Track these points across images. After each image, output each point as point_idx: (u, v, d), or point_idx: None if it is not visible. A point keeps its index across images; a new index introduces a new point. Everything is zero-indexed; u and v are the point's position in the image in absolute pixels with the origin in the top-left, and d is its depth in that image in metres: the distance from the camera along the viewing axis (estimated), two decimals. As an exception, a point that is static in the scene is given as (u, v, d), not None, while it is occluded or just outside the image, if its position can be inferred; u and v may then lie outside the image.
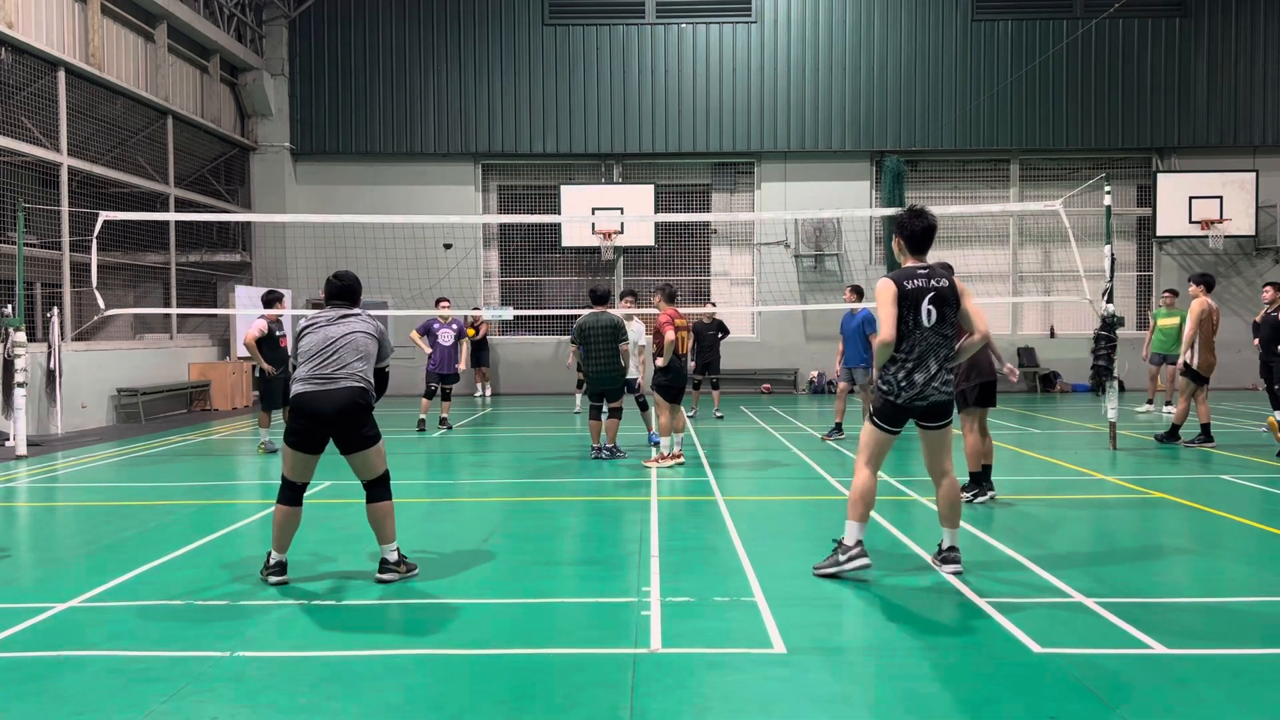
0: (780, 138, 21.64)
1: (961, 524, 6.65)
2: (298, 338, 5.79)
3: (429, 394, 14.14)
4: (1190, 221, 20.87)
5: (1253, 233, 21.09)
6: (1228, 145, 21.61)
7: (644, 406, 11.97)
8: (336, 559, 6.31)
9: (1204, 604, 5.27)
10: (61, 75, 15.11)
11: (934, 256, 5.91)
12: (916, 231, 5.71)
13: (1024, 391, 21.50)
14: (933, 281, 5.60)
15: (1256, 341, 12.61)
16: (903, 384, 5.56)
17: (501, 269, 22.51)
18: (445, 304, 14.24)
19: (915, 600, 5.32)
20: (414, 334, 14.16)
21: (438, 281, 20.46)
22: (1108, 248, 11.53)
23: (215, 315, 19.32)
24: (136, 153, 17.67)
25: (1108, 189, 11.94)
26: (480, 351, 20.18)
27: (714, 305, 17.56)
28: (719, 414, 15.67)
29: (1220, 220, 20.77)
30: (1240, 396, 18.96)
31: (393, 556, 5.79)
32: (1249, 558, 6.30)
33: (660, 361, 10.27)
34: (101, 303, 12.91)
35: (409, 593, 5.57)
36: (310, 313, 5.92)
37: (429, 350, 13.91)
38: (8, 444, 12.31)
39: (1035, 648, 4.48)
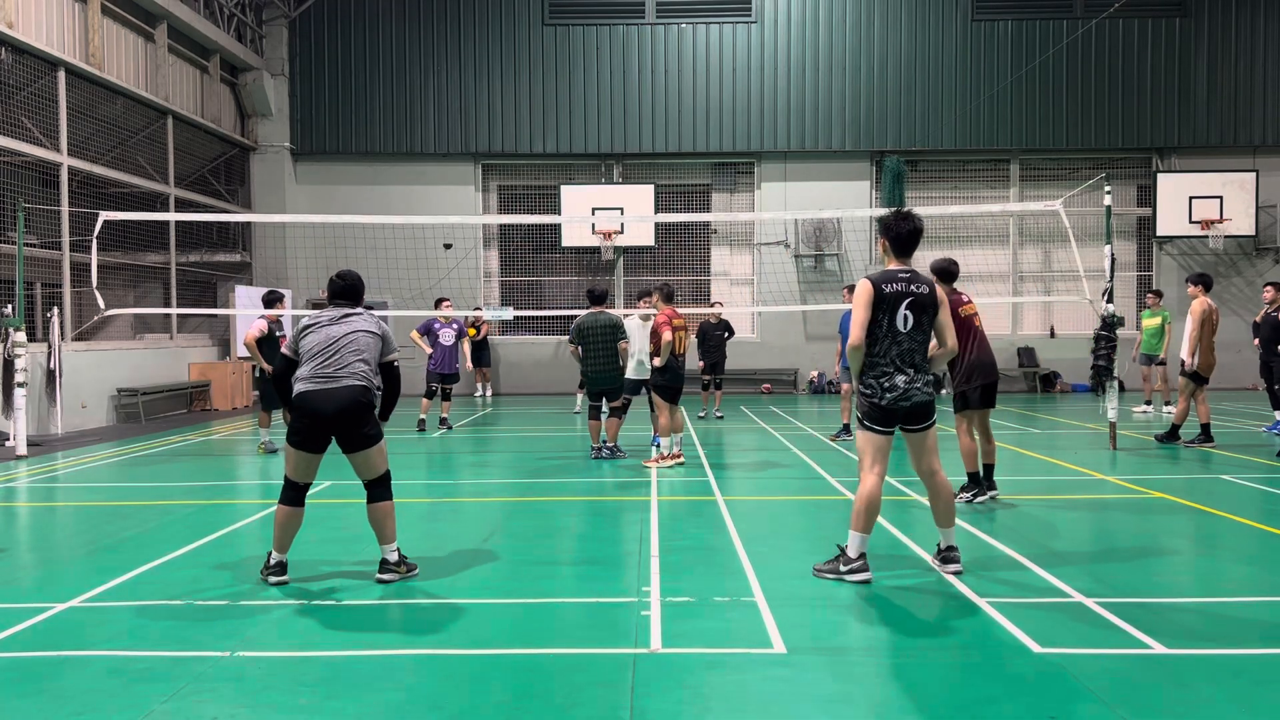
0: (780, 138, 21.64)
1: (962, 524, 6.66)
2: (299, 336, 5.79)
3: (429, 394, 14.14)
4: (1190, 221, 20.88)
5: (1253, 233, 21.10)
6: (1228, 145, 21.61)
7: (622, 410, 11.70)
8: (336, 559, 6.31)
9: (1204, 604, 5.27)
10: (61, 75, 15.11)
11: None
12: (902, 234, 5.68)
13: (1024, 391, 21.51)
14: (913, 287, 5.56)
15: (1256, 341, 12.64)
16: (885, 386, 5.54)
17: (501, 269, 22.51)
18: (447, 304, 14.25)
19: (915, 600, 5.32)
20: (414, 334, 14.17)
21: (438, 281, 20.47)
22: (1108, 248, 11.53)
23: (215, 315, 19.32)
24: (136, 153, 17.67)
25: (1108, 189, 11.94)
26: (481, 351, 20.18)
27: (720, 305, 17.55)
28: (719, 414, 15.68)
29: (1220, 220, 20.77)
30: (1240, 396, 18.96)
31: (393, 556, 5.79)
32: (1249, 558, 6.30)
33: (658, 362, 10.28)
34: (101, 303, 12.91)
35: (409, 593, 5.57)
36: (312, 312, 5.91)
37: (429, 350, 13.91)
38: (8, 444, 12.31)
39: (1035, 648, 4.48)
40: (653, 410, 10.54)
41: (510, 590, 5.59)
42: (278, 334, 11.64)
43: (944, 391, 20.90)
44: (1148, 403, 16.08)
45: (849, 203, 21.09)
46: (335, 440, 5.68)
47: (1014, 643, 4.57)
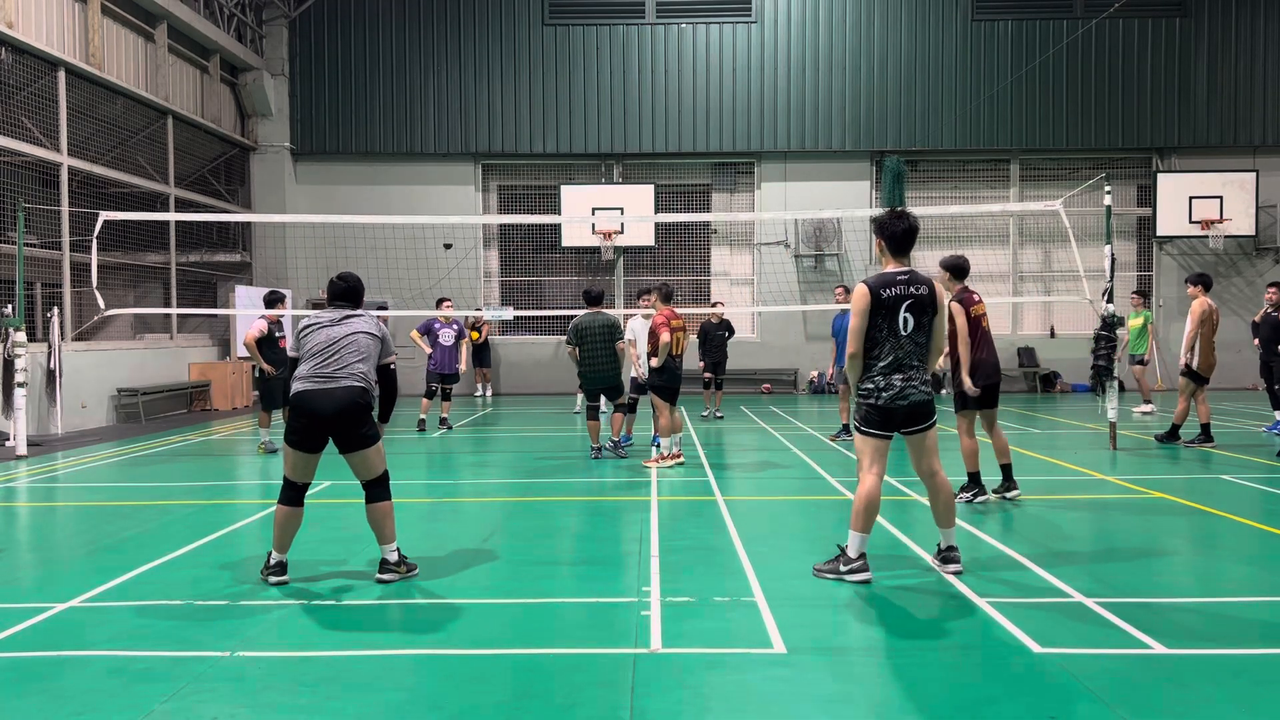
0: (780, 138, 21.64)
1: (962, 524, 6.66)
2: (299, 336, 5.80)
3: (429, 394, 14.15)
4: (1190, 221, 20.88)
5: (1253, 233, 21.09)
6: (1228, 145, 21.62)
7: (629, 408, 11.74)
8: (336, 559, 6.31)
9: (1204, 604, 5.27)
10: (61, 75, 15.11)
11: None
12: (898, 233, 5.65)
13: (1024, 391, 21.51)
14: (912, 288, 5.54)
15: (1256, 341, 12.64)
16: (882, 386, 5.53)
17: (501, 269, 22.51)
18: (448, 304, 14.25)
19: (915, 600, 5.32)
20: (414, 334, 14.19)
21: (438, 281, 20.47)
22: (1108, 248, 11.53)
23: (215, 315, 19.32)
24: (136, 153, 17.67)
25: (1108, 189, 11.94)
26: (482, 352, 20.19)
27: (721, 305, 17.54)
28: (719, 414, 15.68)
29: (1220, 220, 20.77)
30: (1240, 396, 18.95)
31: (393, 557, 5.79)
32: (1249, 558, 6.30)
33: (655, 362, 10.28)
34: (101, 303, 12.91)
35: (409, 593, 5.57)
36: (312, 313, 5.92)
37: (429, 350, 13.92)
38: (8, 444, 12.31)
39: (1035, 648, 4.48)
40: (653, 410, 10.55)
41: (510, 590, 5.60)
42: (277, 334, 11.64)
43: (943, 391, 20.93)
44: (1147, 401, 16.09)
45: (849, 203, 21.09)
46: (332, 440, 5.68)
47: (1014, 643, 4.57)
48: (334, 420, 5.58)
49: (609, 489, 9.17)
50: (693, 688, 4.06)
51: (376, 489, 5.78)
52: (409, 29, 21.68)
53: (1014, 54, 21.46)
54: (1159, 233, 21.25)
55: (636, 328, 11.83)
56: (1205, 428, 11.47)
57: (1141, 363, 15.77)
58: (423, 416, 14.27)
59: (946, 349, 5.85)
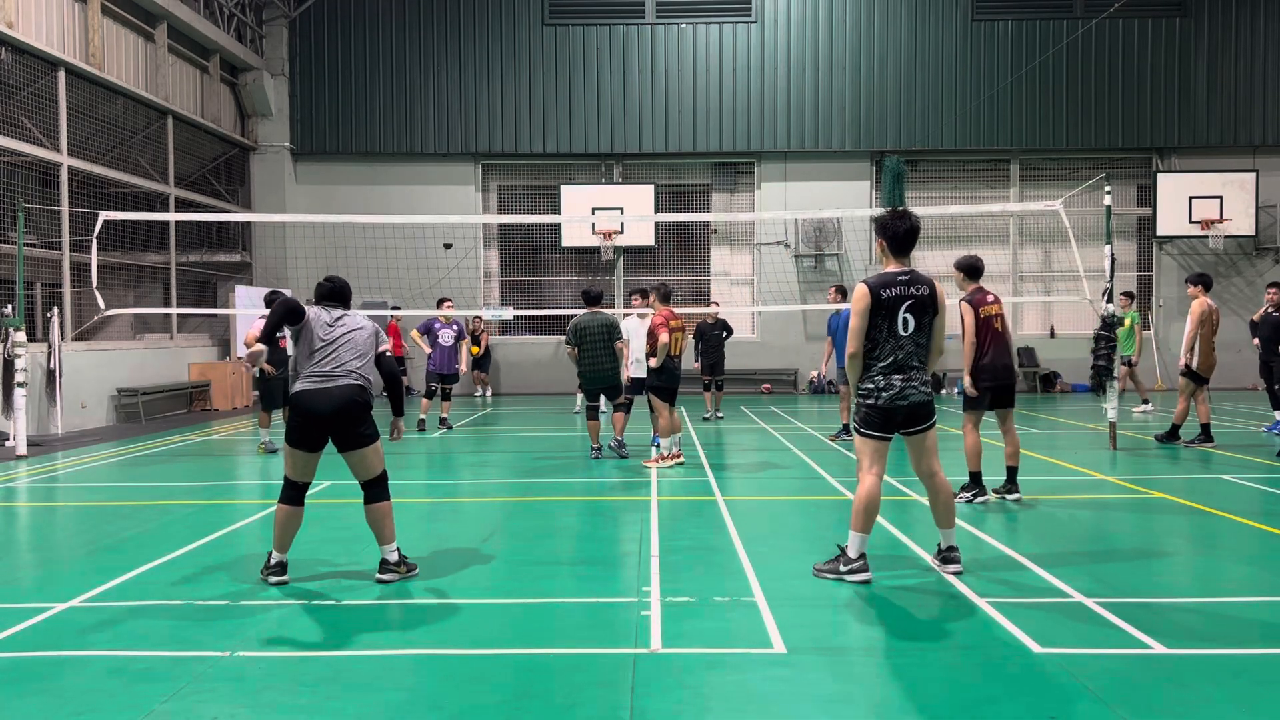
0: (780, 138, 21.64)
1: (962, 524, 6.66)
2: (296, 337, 5.84)
3: (429, 394, 14.15)
4: (1190, 221, 20.88)
5: (1253, 233, 21.09)
6: (1228, 145, 21.61)
7: (624, 409, 11.55)
8: (336, 559, 6.31)
9: (1204, 604, 5.27)
10: (61, 75, 15.11)
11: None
12: (899, 233, 5.64)
13: (1024, 391, 21.50)
14: (912, 289, 5.53)
15: (1256, 341, 12.63)
16: (882, 386, 5.52)
17: (501, 269, 22.51)
18: (449, 304, 14.25)
19: (915, 600, 5.32)
20: (415, 333, 14.20)
21: (438, 281, 20.47)
22: (1108, 248, 11.53)
23: (215, 315, 19.32)
24: (136, 153, 17.67)
25: (1108, 189, 11.94)
26: (482, 361, 20.10)
27: (717, 305, 17.53)
28: (719, 414, 15.67)
29: (1220, 220, 20.77)
30: (1240, 396, 18.95)
31: (393, 557, 5.79)
32: (1249, 558, 6.30)
33: (654, 362, 10.28)
34: (101, 303, 12.91)
35: (409, 593, 5.57)
36: (312, 310, 5.97)
37: (429, 350, 13.92)
38: (8, 444, 12.31)
39: (1035, 648, 4.48)
40: (652, 410, 10.55)
41: (510, 590, 5.60)
42: (277, 335, 11.62)
43: (943, 391, 20.92)
44: (1145, 401, 16.09)
45: (849, 202, 21.09)
46: (331, 440, 5.69)
47: (1014, 643, 4.57)
48: (332, 419, 5.59)
49: (609, 489, 9.17)
50: (693, 688, 4.06)
51: (375, 489, 5.79)
52: (409, 29, 21.68)
53: (1014, 54, 21.46)
54: (1159, 233, 21.25)
55: (630, 328, 11.82)
56: (1205, 428, 11.47)
57: (1129, 364, 15.74)
58: (423, 416, 14.27)
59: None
